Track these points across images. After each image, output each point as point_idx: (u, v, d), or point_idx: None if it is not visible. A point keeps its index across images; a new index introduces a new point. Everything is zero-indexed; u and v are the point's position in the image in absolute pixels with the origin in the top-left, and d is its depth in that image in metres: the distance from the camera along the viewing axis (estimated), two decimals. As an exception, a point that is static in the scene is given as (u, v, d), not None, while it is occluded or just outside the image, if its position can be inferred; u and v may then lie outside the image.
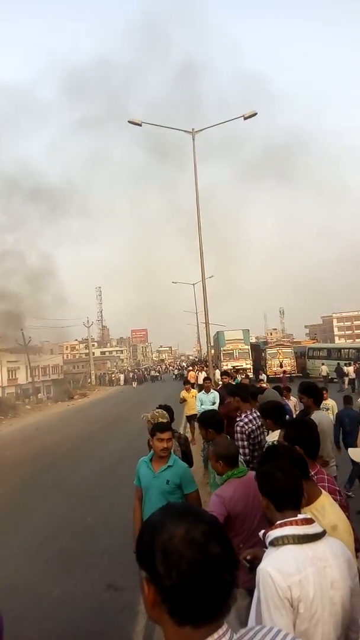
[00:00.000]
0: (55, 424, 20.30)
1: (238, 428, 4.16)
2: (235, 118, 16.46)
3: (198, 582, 0.84)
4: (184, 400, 11.57)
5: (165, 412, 4.33)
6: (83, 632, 4.13)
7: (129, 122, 15.85)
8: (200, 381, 14.39)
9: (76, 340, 74.05)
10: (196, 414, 10.89)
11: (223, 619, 0.87)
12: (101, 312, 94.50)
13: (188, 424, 11.92)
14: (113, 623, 4.24)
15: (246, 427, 4.15)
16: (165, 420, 4.02)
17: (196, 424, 10.91)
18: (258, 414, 4.20)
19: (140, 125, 16.04)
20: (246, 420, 4.22)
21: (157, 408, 4.55)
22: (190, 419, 11.46)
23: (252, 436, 4.13)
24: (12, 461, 12.52)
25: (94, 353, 58.88)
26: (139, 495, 3.63)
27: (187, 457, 4.40)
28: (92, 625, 4.19)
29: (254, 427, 4.18)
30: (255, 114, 16.11)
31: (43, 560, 5.63)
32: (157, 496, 3.36)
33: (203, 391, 10.23)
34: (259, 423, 4.21)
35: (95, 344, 54.81)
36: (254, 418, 4.23)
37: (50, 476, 10.17)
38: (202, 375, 17.16)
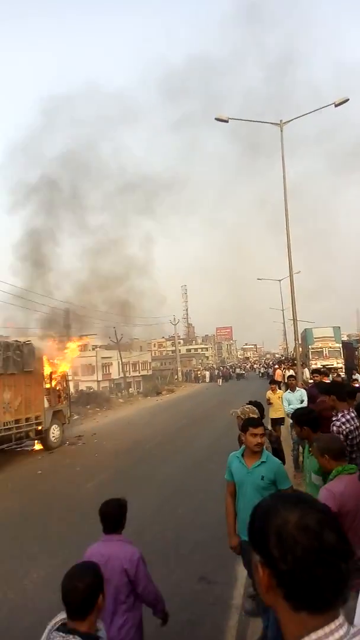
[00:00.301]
0: (145, 418, 21.11)
1: (335, 428, 3.98)
2: (326, 106, 15.67)
3: (313, 569, 0.84)
4: (270, 403, 11.07)
5: (255, 408, 4.30)
6: (176, 621, 4.25)
7: (216, 119, 15.86)
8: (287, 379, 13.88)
9: (163, 337, 76.29)
10: (282, 417, 10.50)
11: (339, 608, 0.86)
12: (187, 310, 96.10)
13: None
14: (205, 615, 4.32)
15: (344, 427, 3.96)
16: (256, 416, 3.99)
17: (282, 426, 10.60)
18: (355, 414, 3.98)
19: (227, 121, 15.99)
20: (343, 420, 4.02)
21: (247, 404, 4.53)
22: (275, 422, 10.66)
23: (350, 437, 3.92)
24: (107, 452, 13.31)
25: (180, 350, 60.12)
26: (230, 490, 3.65)
27: (278, 455, 4.33)
28: (185, 615, 4.30)
29: (351, 428, 3.96)
30: (346, 100, 15.18)
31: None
32: (252, 491, 3.35)
33: (288, 390, 9.88)
34: (357, 424, 3.99)
35: (182, 341, 55.93)
36: (352, 418, 4.02)
37: (142, 468, 10.61)
38: (289, 373, 16.62)
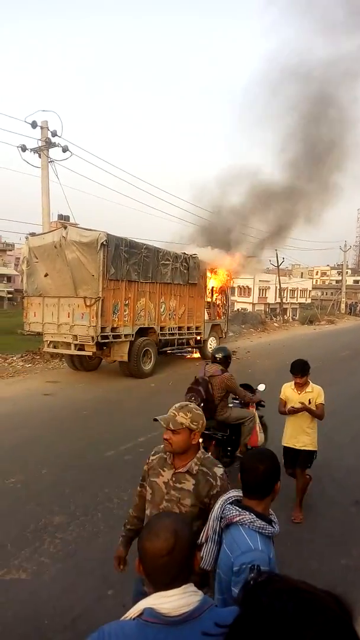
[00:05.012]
0: (301, 344, 20.59)
1: None
2: None
3: None
4: None
5: None
6: (328, 540, 4.16)
7: None
8: None
9: (328, 265, 71.19)
10: None
11: None
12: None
13: None
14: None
15: None
16: None
17: None
18: None
19: None
20: None
21: None
22: None
23: None
24: (261, 369, 13.46)
25: (346, 280, 55.61)
26: None
27: None
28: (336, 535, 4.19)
29: None
30: None
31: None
32: None
33: None
34: None
35: (349, 271, 51.28)
36: None
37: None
38: None
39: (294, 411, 4.38)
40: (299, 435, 4.47)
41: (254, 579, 0.76)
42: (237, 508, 1.80)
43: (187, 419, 2.05)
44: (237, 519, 1.76)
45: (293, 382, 4.54)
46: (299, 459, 4.47)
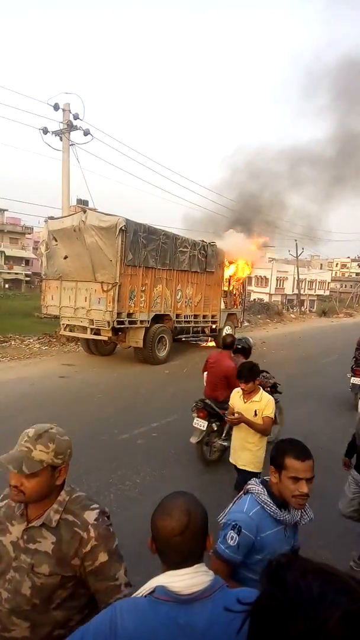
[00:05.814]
0: (317, 336, 20.39)
1: None
2: None
3: None
4: None
5: None
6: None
7: None
8: None
9: (348, 257, 69.93)
10: None
11: None
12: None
13: None
14: None
15: None
16: None
17: None
18: None
19: None
20: None
21: None
22: None
23: None
24: (276, 360, 13.39)
25: (365, 274, 54.63)
26: None
27: None
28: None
29: None
30: None
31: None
32: None
33: None
34: None
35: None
36: None
37: (312, 381, 10.36)
38: None
39: (231, 422, 3.95)
40: (239, 451, 3.93)
41: (278, 559, 0.76)
42: (257, 481, 1.97)
43: (48, 453, 1.41)
44: (248, 487, 1.95)
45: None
46: (237, 480, 3.95)
